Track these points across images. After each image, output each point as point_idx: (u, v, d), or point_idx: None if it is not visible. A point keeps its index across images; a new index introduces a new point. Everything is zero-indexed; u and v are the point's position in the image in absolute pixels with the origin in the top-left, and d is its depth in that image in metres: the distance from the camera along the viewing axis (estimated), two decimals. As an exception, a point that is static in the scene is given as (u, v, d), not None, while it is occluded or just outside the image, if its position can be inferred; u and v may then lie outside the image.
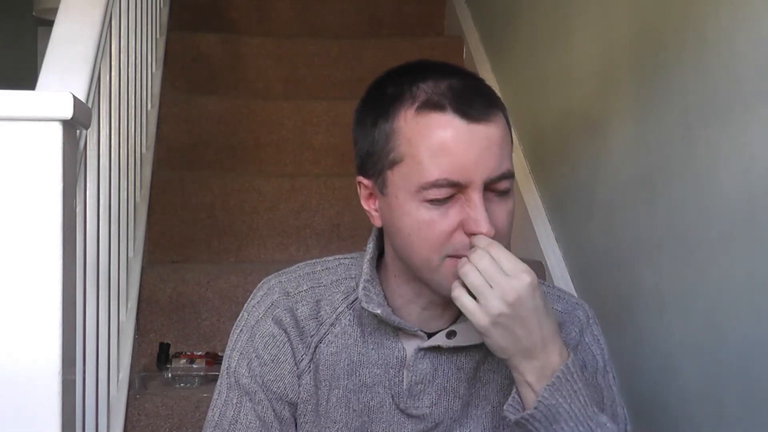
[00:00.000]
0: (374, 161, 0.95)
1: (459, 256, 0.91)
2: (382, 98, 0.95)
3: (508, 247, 0.95)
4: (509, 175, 0.92)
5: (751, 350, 1.31)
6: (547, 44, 2.27)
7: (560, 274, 2.07)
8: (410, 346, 1.00)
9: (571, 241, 2.08)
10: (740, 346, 1.34)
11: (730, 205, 1.37)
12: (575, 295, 1.77)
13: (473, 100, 0.90)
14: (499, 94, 0.96)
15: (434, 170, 0.89)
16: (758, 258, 1.29)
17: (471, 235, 0.90)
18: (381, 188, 0.95)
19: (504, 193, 0.93)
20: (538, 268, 2.13)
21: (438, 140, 0.90)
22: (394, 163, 0.93)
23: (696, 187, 1.48)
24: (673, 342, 1.55)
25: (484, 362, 1.01)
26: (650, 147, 1.65)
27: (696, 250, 1.48)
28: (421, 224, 0.91)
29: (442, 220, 0.91)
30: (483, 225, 0.89)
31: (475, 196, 0.90)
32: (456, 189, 0.90)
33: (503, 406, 0.99)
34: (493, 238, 0.91)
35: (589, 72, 1.96)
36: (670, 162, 1.57)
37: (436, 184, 0.89)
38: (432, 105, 0.90)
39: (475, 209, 0.90)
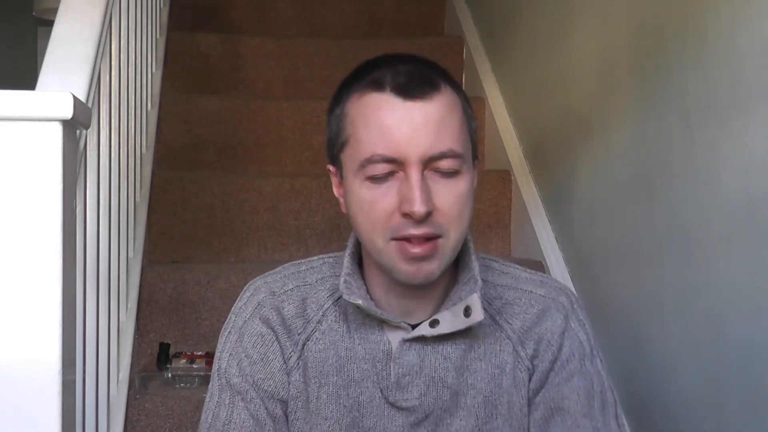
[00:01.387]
0: (332, 146, 0.99)
1: (401, 239, 0.91)
2: (339, 89, 0.99)
3: (463, 231, 0.94)
4: (452, 155, 0.91)
5: (751, 350, 1.31)
6: (547, 44, 2.27)
7: (560, 274, 2.07)
8: (395, 338, 1.00)
9: (571, 241, 2.08)
10: (740, 346, 1.34)
11: (730, 205, 1.37)
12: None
13: (412, 79, 0.92)
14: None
15: (370, 146, 0.91)
16: (758, 258, 1.29)
17: (406, 215, 0.90)
18: (340, 173, 0.98)
19: (451, 174, 0.92)
20: (538, 267, 2.13)
21: (374, 117, 0.92)
22: (343, 145, 0.96)
23: (696, 187, 1.48)
24: (673, 342, 1.55)
25: (470, 351, 1.01)
26: (650, 147, 1.65)
27: (696, 250, 1.48)
28: (363, 204, 0.93)
29: (383, 200, 0.92)
30: (415, 203, 0.89)
31: (412, 173, 0.90)
32: (393, 165, 0.91)
33: (494, 395, 0.99)
34: (437, 219, 0.91)
35: (589, 72, 1.96)
36: (670, 162, 1.57)
37: (371, 160, 0.91)
38: (372, 86, 0.93)
39: (409, 187, 0.90)
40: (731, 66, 1.37)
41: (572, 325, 1.03)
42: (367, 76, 0.95)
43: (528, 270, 1.07)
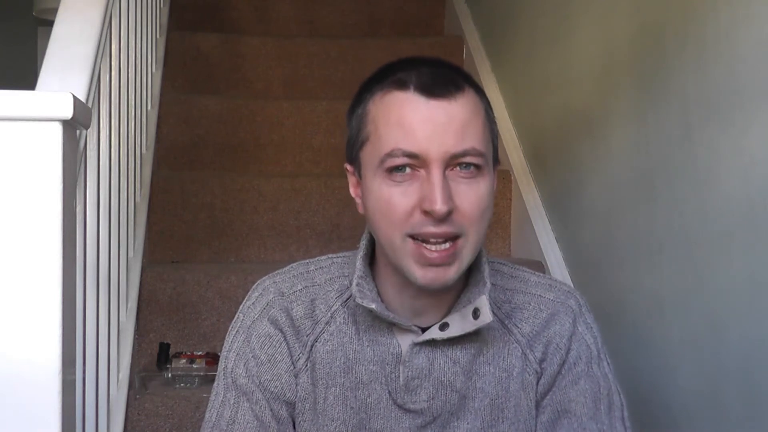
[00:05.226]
0: (351, 145, 0.98)
1: (419, 237, 0.91)
2: (362, 89, 0.98)
3: (483, 233, 0.94)
4: (475, 153, 0.91)
5: (751, 350, 1.31)
6: (547, 44, 2.27)
7: (560, 274, 2.07)
8: (405, 341, 1.00)
9: (571, 241, 2.08)
10: (740, 346, 1.34)
11: (730, 206, 1.37)
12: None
13: (437, 80, 0.91)
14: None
15: (391, 141, 0.91)
16: (758, 258, 1.29)
17: (426, 213, 0.89)
18: (359, 172, 0.97)
19: (473, 175, 0.91)
20: (538, 267, 2.13)
21: (396, 114, 0.91)
22: (363, 143, 0.95)
23: (696, 187, 1.48)
24: (673, 342, 1.55)
25: (479, 355, 1.01)
26: (650, 147, 1.65)
27: (696, 250, 1.48)
28: (382, 202, 0.92)
29: (403, 198, 0.91)
30: (437, 201, 0.88)
31: (433, 171, 0.89)
32: (414, 161, 0.90)
33: (500, 398, 0.99)
34: (457, 219, 0.90)
35: (589, 72, 1.96)
36: (670, 162, 1.57)
37: (391, 155, 0.90)
38: (395, 85, 0.93)
39: (431, 185, 0.89)
40: (731, 66, 1.37)
41: (580, 328, 1.03)
42: (390, 76, 0.94)
43: (537, 273, 1.07)
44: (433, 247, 0.91)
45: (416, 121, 0.90)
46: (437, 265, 0.91)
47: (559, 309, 1.03)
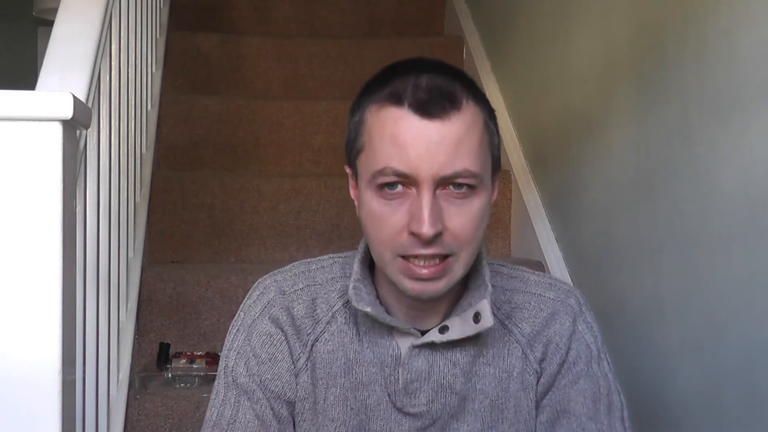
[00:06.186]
0: (350, 150, 0.97)
1: (408, 257, 0.90)
2: (362, 91, 0.97)
3: (476, 249, 0.93)
4: (467, 175, 0.89)
5: (751, 350, 1.31)
6: (547, 44, 2.27)
7: (560, 274, 2.07)
8: (404, 344, 0.99)
9: (571, 241, 2.08)
10: (740, 346, 1.34)
11: (730, 205, 1.37)
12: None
13: (433, 96, 0.90)
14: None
15: (383, 159, 0.90)
16: (758, 258, 1.29)
17: (413, 235, 0.89)
18: (355, 177, 0.98)
19: (465, 195, 0.90)
20: (538, 267, 2.13)
21: (390, 132, 0.90)
22: (358, 153, 0.95)
23: (696, 187, 1.48)
24: (673, 342, 1.55)
25: (479, 356, 1.00)
26: (650, 147, 1.65)
27: (696, 250, 1.48)
28: (373, 217, 0.92)
29: (392, 216, 0.90)
30: (423, 224, 0.87)
31: (423, 192, 0.89)
32: (404, 180, 0.89)
33: (500, 399, 0.99)
34: (447, 239, 0.90)
35: (589, 72, 1.96)
36: (670, 162, 1.57)
37: (383, 172, 0.90)
38: (392, 99, 0.91)
39: (419, 207, 0.88)
40: (731, 66, 1.37)
41: (580, 327, 1.03)
42: (388, 83, 0.92)
43: (536, 272, 1.07)
44: (422, 262, 0.90)
45: (409, 140, 0.89)
46: (426, 280, 0.91)
47: (559, 308, 1.03)
